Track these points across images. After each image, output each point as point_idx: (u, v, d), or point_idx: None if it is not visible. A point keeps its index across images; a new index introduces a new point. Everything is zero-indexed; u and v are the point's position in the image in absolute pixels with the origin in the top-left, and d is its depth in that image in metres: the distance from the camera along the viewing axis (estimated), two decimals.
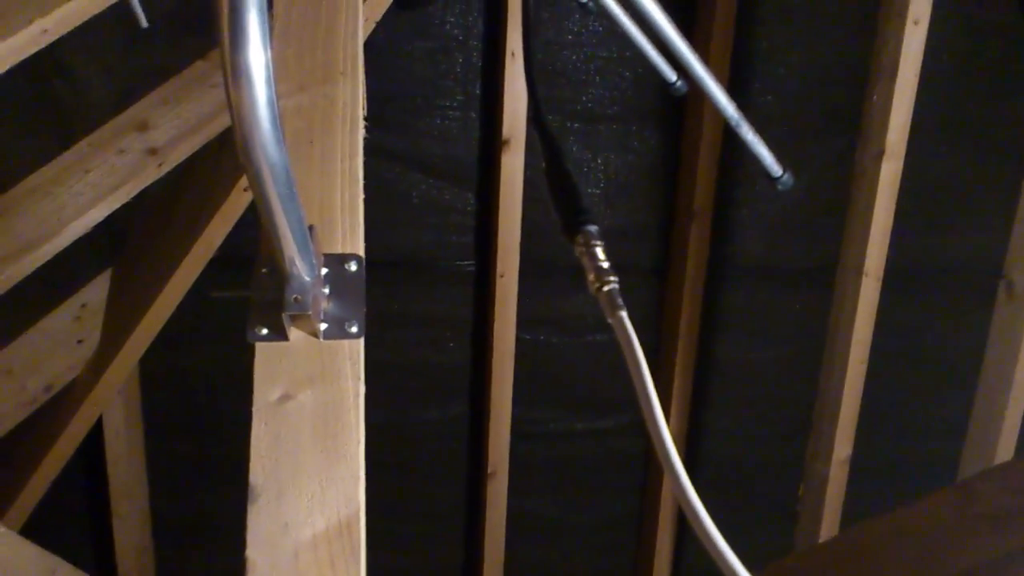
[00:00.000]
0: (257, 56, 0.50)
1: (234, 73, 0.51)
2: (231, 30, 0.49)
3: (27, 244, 1.57)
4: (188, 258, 1.78)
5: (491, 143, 2.02)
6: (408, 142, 2.02)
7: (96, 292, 1.91)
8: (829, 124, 2.11)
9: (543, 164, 0.62)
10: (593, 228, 0.53)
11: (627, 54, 2.01)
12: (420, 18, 1.93)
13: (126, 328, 1.84)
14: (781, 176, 1.00)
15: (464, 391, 2.23)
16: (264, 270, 0.72)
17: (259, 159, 0.53)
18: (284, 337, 0.69)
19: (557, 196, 0.57)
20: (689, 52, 0.45)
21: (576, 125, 2.05)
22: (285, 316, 0.67)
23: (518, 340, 2.13)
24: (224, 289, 0.79)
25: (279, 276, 0.68)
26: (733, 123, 0.60)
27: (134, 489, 2.08)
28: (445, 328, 2.18)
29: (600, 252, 0.55)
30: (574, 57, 2.00)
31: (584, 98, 2.04)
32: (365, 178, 2.16)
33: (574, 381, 2.26)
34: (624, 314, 0.55)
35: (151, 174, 1.68)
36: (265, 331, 0.69)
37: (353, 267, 0.75)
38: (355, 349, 0.70)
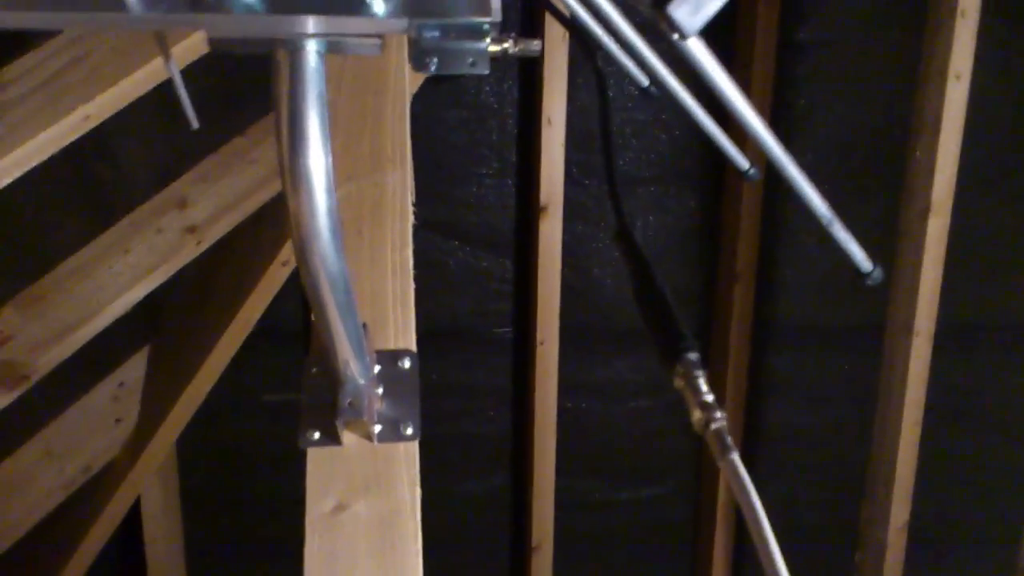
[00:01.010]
0: (317, 161, 0.47)
1: (293, 178, 0.49)
2: (291, 133, 0.47)
3: (68, 326, 1.56)
4: (226, 333, 1.76)
5: (528, 210, 2.01)
6: (444, 210, 2.01)
7: (134, 370, 1.90)
8: (872, 181, 2.07)
9: (632, 284, 0.55)
10: (694, 356, 0.47)
11: (663, 116, 2.00)
12: (455, 87, 1.93)
13: (164, 406, 1.82)
14: (872, 272, 0.96)
15: (506, 461, 2.18)
16: (314, 370, 0.69)
17: (317, 267, 0.51)
18: (337, 442, 0.66)
19: (651, 319, 0.51)
20: (772, 140, 0.42)
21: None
22: (339, 422, 0.64)
23: (560, 408, 2.09)
24: (271, 382, 0.76)
25: (331, 377, 0.65)
26: (825, 222, 0.56)
27: (172, 571, 2.04)
28: (485, 397, 2.14)
29: (703, 384, 0.50)
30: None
31: (621, 161, 2.02)
32: None
33: (618, 448, 2.20)
34: (736, 456, 0.50)
35: (190, 252, 1.68)
36: (317, 435, 0.66)
37: (407, 364, 0.72)
38: (411, 452, 0.67)
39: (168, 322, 1.95)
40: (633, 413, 2.18)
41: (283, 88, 0.45)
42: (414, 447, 0.67)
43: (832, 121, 2.02)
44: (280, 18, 0.42)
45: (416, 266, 2.25)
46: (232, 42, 0.43)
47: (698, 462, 2.26)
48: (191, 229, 1.67)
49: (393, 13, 0.43)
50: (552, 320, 2.01)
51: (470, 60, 0.45)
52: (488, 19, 0.43)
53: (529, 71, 1.93)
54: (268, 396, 0.69)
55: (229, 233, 1.73)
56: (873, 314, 2.06)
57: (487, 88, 1.94)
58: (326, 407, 0.65)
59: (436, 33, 0.43)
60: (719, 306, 2.12)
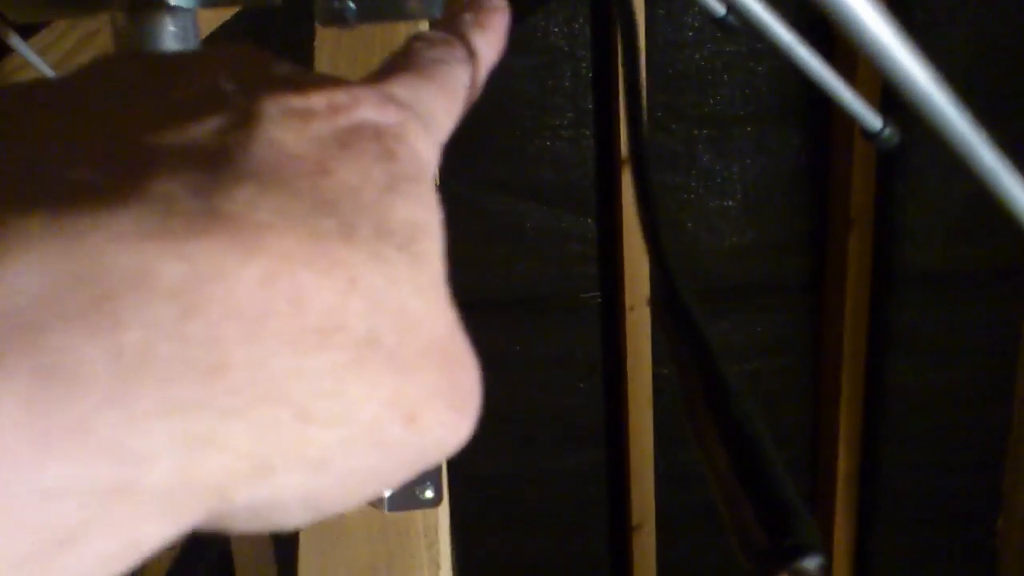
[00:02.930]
0: None
1: None
2: None
3: None
4: None
5: (608, 162, 1.81)
6: (517, 168, 1.83)
7: None
8: (1007, 102, 1.78)
9: (697, 433, 0.28)
10: (814, 563, 0.23)
11: (758, 46, 1.76)
12: (520, 32, 1.74)
13: None
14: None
15: (600, 435, 2.02)
16: None
17: None
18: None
19: (736, 496, 0.25)
20: (927, 80, 0.25)
21: (705, 131, 1.81)
22: None
23: (655, 376, 1.91)
24: None
25: None
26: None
27: None
28: (573, 367, 1.98)
29: None
30: (696, 56, 1.76)
31: (712, 100, 1.80)
32: (474, 213, 1.94)
33: None
34: None
35: None
36: None
37: None
38: (432, 524, 0.51)
39: None
40: (740, 378, 1.97)
41: None
42: (438, 515, 0.52)
43: (957, 36, 1.74)
44: None
45: (490, 230, 2.07)
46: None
47: (815, 428, 2.05)
48: None
49: None
50: (642, 282, 1.83)
51: None
52: None
53: (602, 5, 1.72)
54: None
55: None
56: (1012, 254, 1.80)
57: (556, 30, 1.75)
58: None
59: None
60: (833, 255, 1.89)
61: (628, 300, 1.83)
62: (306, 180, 0.18)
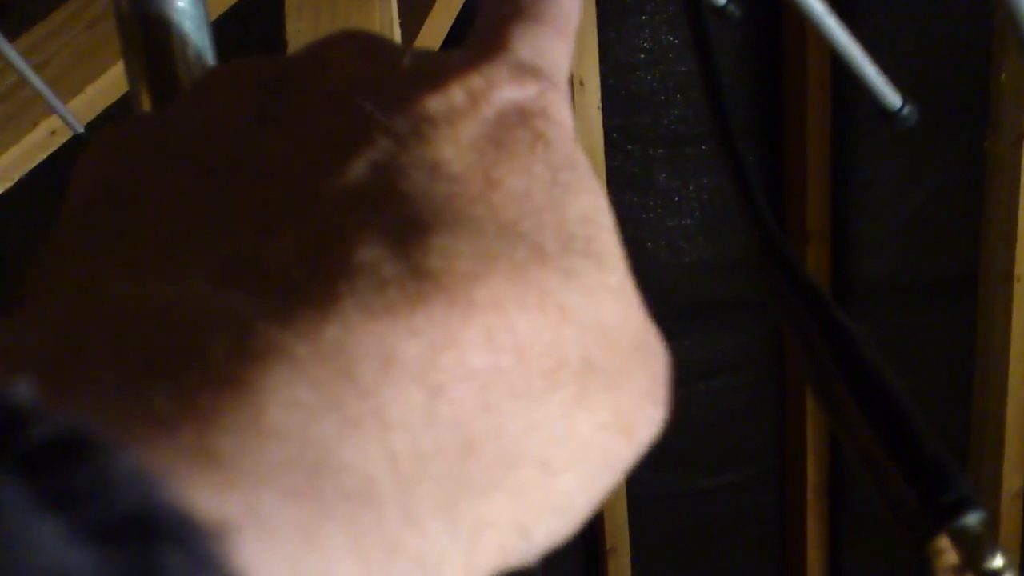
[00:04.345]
0: None
1: None
2: None
3: None
4: None
5: None
6: None
7: None
8: (952, 114, 1.84)
9: (823, 390, 0.26)
10: (975, 519, 0.22)
11: None
12: None
13: None
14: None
15: None
16: None
17: None
18: None
19: (877, 455, 0.23)
20: None
21: (660, 151, 1.84)
22: None
23: None
24: None
25: None
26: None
27: None
28: None
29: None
30: (649, 77, 1.79)
31: (666, 120, 1.82)
32: None
33: (692, 435, 2.02)
34: None
35: None
36: None
37: None
38: None
39: None
40: (705, 395, 1.99)
41: None
42: None
43: (901, 50, 1.80)
44: None
45: None
46: None
47: (781, 442, 2.07)
48: None
49: None
50: None
51: None
52: None
53: None
54: None
55: None
56: (967, 260, 1.85)
57: None
58: None
59: None
60: None
61: None
62: (481, 203, 0.16)
